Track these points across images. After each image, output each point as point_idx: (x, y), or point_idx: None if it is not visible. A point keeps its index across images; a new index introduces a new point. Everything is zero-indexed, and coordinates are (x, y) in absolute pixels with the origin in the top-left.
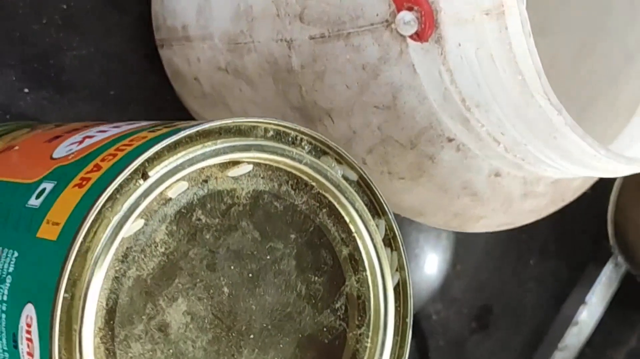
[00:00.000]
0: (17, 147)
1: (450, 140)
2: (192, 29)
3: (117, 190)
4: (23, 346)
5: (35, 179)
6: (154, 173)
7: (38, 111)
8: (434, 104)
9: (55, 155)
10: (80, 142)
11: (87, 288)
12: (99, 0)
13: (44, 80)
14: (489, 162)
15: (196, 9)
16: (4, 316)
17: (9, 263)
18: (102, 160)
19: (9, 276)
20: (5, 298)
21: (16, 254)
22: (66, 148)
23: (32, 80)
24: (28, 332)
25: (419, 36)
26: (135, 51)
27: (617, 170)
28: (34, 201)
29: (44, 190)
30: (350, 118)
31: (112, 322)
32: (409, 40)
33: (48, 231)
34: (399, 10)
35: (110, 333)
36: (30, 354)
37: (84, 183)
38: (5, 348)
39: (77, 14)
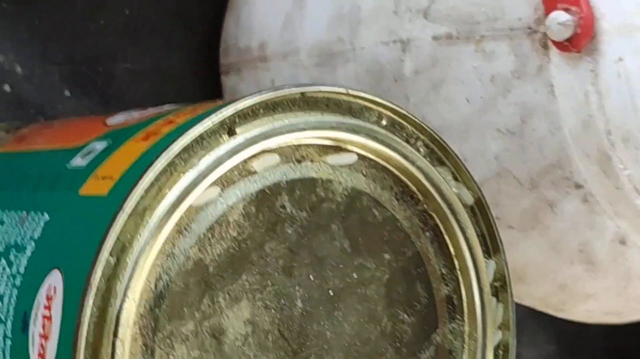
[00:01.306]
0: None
1: (578, 186)
2: (272, 46)
3: (196, 142)
4: (36, 328)
5: (81, 142)
6: (243, 131)
7: None
8: (568, 137)
9: (110, 121)
10: (143, 109)
11: (139, 256)
12: (166, 13)
13: (89, 86)
14: (617, 223)
15: (282, 21)
16: (15, 292)
17: (34, 229)
18: (177, 116)
19: (31, 244)
20: (21, 269)
21: (46, 217)
22: (124, 115)
23: (76, 84)
24: (47, 308)
25: (571, 44)
26: (195, 75)
27: None
28: (78, 161)
29: (93, 149)
30: (463, 141)
31: (158, 310)
32: (553, 53)
33: (96, 187)
34: (549, 11)
35: (153, 323)
36: (44, 336)
37: (151, 136)
38: (9, 334)
39: (139, 23)
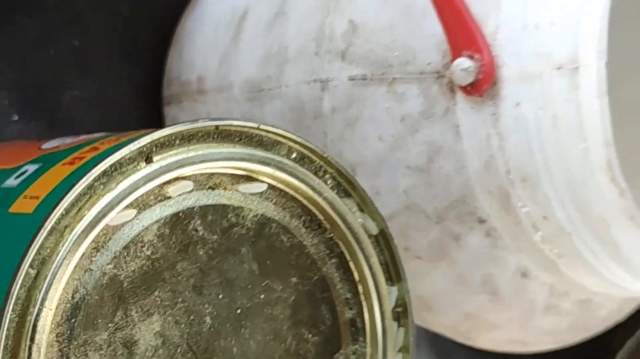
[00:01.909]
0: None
1: (481, 221)
2: (209, 81)
3: (115, 167)
4: None
5: (17, 164)
6: (159, 159)
7: None
8: (472, 175)
9: (44, 146)
10: (76, 137)
11: (57, 269)
12: (114, 46)
13: (37, 112)
14: (519, 257)
15: (219, 57)
16: None
17: None
18: (102, 144)
19: None
20: None
21: None
22: (59, 141)
23: (24, 109)
24: None
25: (474, 88)
26: (138, 106)
27: None
28: (11, 182)
29: (25, 171)
30: (376, 176)
31: (73, 320)
32: (458, 96)
33: (24, 205)
34: (455, 57)
35: (69, 332)
36: None
37: (76, 161)
38: None
39: (87, 54)
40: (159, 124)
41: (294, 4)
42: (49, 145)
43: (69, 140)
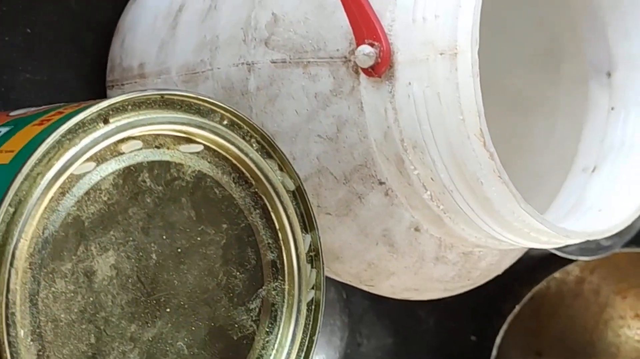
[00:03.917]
0: None
1: (381, 183)
2: (149, 66)
3: (78, 126)
4: None
5: None
6: (115, 121)
7: None
8: (373, 143)
9: (12, 113)
10: (39, 107)
11: (31, 209)
12: (63, 35)
13: None
14: (412, 213)
15: (158, 45)
16: None
17: None
18: (65, 109)
19: None
20: None
21: None
22: (24, 110)
23: None
24: None
25: (374, 70)
26: (84, 88)
27: (532, 230)
28: None
29: None
30: (292, 144)
31: (43, 251)
32: (362, 77)
33: (0, 158)
34: (359, 44)
35: (40, 261)
36: None
37: (45, 122)
38: None
39: (38, 41)
40: None
41: None
42: (17, 112)
43: (33, 109)
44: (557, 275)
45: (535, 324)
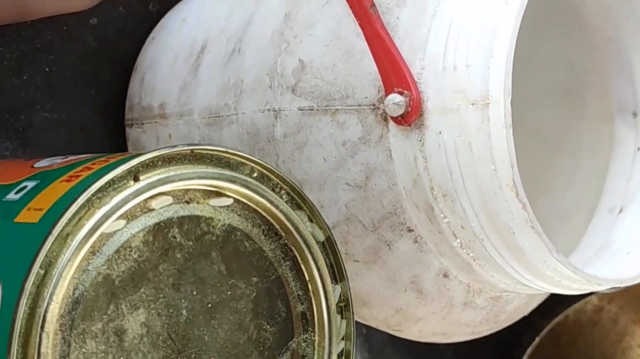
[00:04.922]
0: None
1: (410, 230)
2: (170, 107)
3: (108, 184)
4: None
5: (14, 181)
6: (145, 178)
7: None
8: (402, 191)
9: (37, 165)
10: (64, 158)
11: (62, 270)
12: (81, 73)
13: (11, 131)
14: (441, 260)
15: (180, 86)
16: None
17: None
18: (94, 164)
19: None
20: None
21: None
22: (48, 161)
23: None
24: None
25: (404, 119)
26: (103, 126)
27: (564, 278)
28: (12, 196)
29: (25, 187)
30: (321, 191)
31: (74, 312)
32: (391, 125)
33: (29, 216)
34: (388, 93)
35: (70, 322)
36: None
37: (73, 179)
38: None
39: (57, 79)
40: (122, 144)
41: (249, 42)
42: (41, 164)
43: (58, 160)
44: (576, 305)
45: (555, 354)
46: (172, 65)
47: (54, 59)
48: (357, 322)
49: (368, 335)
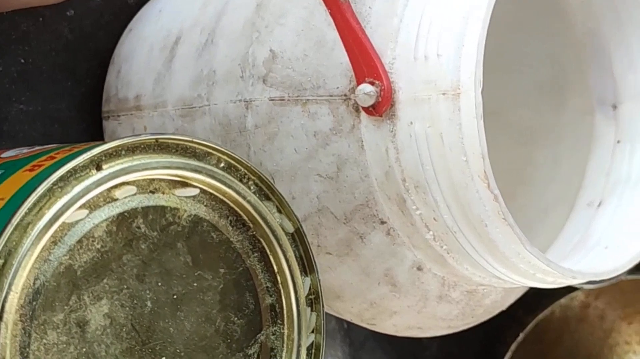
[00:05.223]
0: None
1: (382, 222)
2: (145, 99)
3: (70, 174)
4: None
5: None
6: (108, 167)
7: None
8: (374, 182)
9: (3, 155)
10: (31, 148)
11: (22, 260)
12: (57, 65)
13: None
14: (414, 252)
15: (154, 78)
16: None
17: None
18: (57, 153)
19: None
20: None
21: None
22: (16, 151)
23: None
24: None
25: (375, 109)
26: (79, 119)
27: (538, 271)
28: None
29: None
30: (292, 183)
31: (34, 303)
32: (362, 115)
33: None
34: (359, 82)
35: (30, 312)
36: None
37: (36, 168)
38: None
39: (32, 71)
40: (99, 137)
41: (221, 34)
42: (8, 154)
43: (25, 150)
44: (562, 300)
45: (540, 350)
46: (147, 56)
47: (29, 50)
48: (338, 317)
49: (349, 329)
